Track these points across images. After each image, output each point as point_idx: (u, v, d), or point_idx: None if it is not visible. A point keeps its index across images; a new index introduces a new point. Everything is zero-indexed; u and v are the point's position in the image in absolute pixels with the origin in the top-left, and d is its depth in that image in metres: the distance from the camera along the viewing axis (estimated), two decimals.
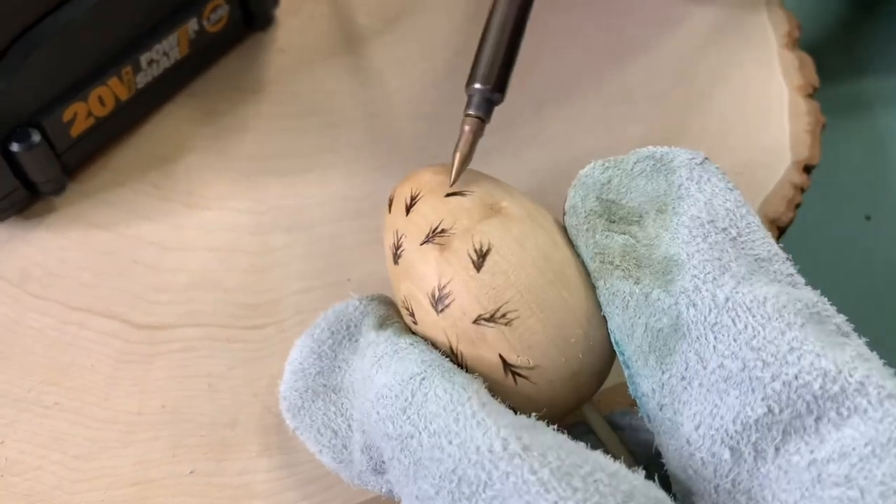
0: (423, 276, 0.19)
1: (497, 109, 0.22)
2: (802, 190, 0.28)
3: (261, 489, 0.21)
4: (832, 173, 0.35)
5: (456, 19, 0.31)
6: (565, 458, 0.15)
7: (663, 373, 0.17)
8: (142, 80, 0.26)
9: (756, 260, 0.18)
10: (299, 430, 0.20)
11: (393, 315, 0.21)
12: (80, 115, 0.24)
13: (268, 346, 0.23)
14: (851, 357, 0.16)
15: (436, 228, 0.19)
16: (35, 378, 0.23)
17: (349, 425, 0.20)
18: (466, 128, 0.21)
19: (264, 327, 0.24)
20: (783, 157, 0.28)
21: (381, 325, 0.20)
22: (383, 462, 0.18)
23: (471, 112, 0.21)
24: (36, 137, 0.23)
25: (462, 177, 0.20)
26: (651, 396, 0.17)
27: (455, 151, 0.21)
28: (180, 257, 0.25)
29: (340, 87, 0.29)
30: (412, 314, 0.20)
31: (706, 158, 0.20)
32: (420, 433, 0.17)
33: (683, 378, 0.17)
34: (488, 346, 0.19)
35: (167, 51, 0.26)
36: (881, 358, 0.16)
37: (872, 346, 0.17)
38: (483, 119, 0.21)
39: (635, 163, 0.20)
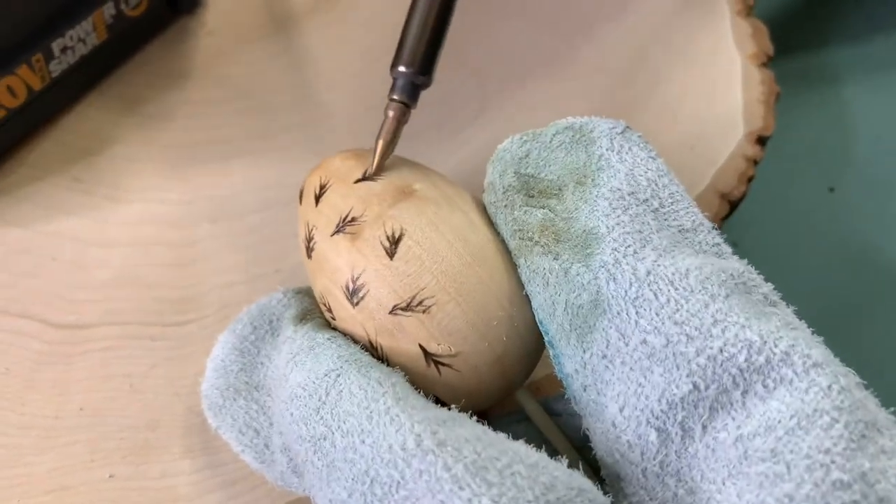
0: (335, 268, 0.18)
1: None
2: (756, 162, 0.27)
3: (184, 492, 0.20)
4: (792, 146, 0.34)
5: None
6: (482, 451, 0.14)
7: (585, 351, 0.16)
8: (56, 68, 0.24)
9: (680, 231, 0.17)
10: (221, 430, 0.19)
11: (316, 309, 0.20)
12: None
13: (191, 343, 0.22)
14: (777, 327, 0.15)
15: (346, 217, 0.18)
16: None
17: (271, 424, 0.19)
18: (390, 113, 0.20)
19: (187, 324, 0.23)
20: (736, 127, 0.27)
21: (302, 319, 0.19)
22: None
23: (395, 97, 0.20)
24: None
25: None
26: (575, 377, 0.16)
27: (378, 138, 0.20)
28: (103, 253, 0.24)
29: (273, 70, 0.28)
30: (330, 310, 0.19)
31: (627, 127, 0.19)
32: (333, 434, 0.16)
33: (605, 356, 0.16)
34: (407, 337, 0.17)
35: (82, 37, 0.25)
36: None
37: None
38: (408, 104, 0.20)
39: (554, 135, 0.19)
